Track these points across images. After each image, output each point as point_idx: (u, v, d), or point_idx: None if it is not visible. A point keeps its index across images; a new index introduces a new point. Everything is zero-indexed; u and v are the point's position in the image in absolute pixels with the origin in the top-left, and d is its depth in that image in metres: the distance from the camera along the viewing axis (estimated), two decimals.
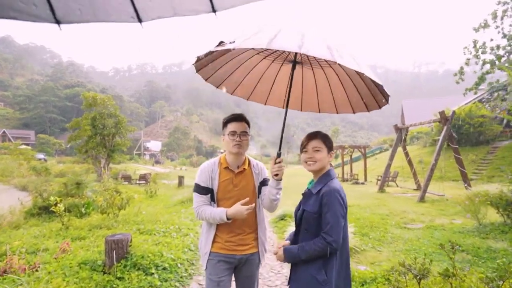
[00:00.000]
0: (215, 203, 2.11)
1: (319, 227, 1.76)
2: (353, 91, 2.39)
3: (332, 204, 1.74)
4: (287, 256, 1.83)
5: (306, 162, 1.91)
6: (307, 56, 2.26)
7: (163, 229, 5.83)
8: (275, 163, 1.96)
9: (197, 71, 2.29)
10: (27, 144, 53.41)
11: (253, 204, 2.03)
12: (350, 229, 5.46)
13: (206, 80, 2.44)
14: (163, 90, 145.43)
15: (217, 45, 1.65)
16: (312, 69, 2.45)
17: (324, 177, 1.87)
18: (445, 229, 6.55)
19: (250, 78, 2.56)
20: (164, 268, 3.97)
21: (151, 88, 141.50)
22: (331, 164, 1.99)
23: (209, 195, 2.12)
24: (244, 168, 2.18)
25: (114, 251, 3.70)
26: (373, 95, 2.30)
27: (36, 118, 73.58)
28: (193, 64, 2.15)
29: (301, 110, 2.76)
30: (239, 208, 1.97)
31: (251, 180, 2.19)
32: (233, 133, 2.09)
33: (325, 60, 2.23)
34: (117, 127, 19.95)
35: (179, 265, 4.21)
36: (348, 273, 1.87)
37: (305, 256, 1.75)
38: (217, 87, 2.55)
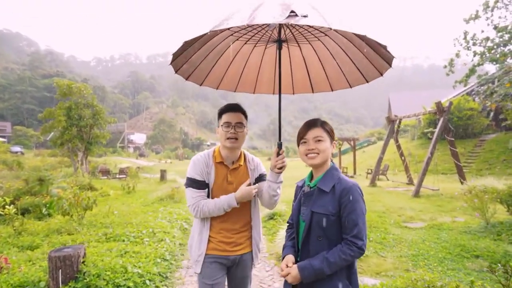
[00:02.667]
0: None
1: (337, 231, 1.51)
2: (347, 62, 2.16)
3: (356, 202, 1.50)
4: (306, 275, 1.48)
5: (306, 155, 1.63)
6: (292, 32, 2.07)
7: (134, 233, 5.00)
8: (278, 155, 1.81)
9: (176, 72, 2.15)
10: (3, 137, 51.02)
11: (257, 185, 1.96)
12: None
13: (186, 79, 2.27)
14: (148, 81, 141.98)
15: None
16: (299, 46, 2.23)
17: (332, 171, 1.62)
18: (451, 229, 5.97)
19: (233, 68, 2.38)
20: None
21: (135, 79, 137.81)
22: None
23: (206, 189, 1.91)
24: (239, 164, 2.00)
25: (60, 270, 2.88)
26: (371, 62, 2.05)
27: (12, 109, 70.27)
28: (170, 64, 2.00)
29: (293, 93, 2.57)
30: (246, 189, 1.87)
31: (247, 177, 2.00)
32: (228, 124, 1.90)
33: (316, 29, 2.01)
34: (95, 118, 18.71)
35: (147, 282, 3.42)
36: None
37: (331, 269, 1.45)
38: (201, 85, 2.41)
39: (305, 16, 1.37)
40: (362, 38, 1.59)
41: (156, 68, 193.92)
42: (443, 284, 3.07)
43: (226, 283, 2.06)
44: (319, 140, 1.61)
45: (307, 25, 1.90)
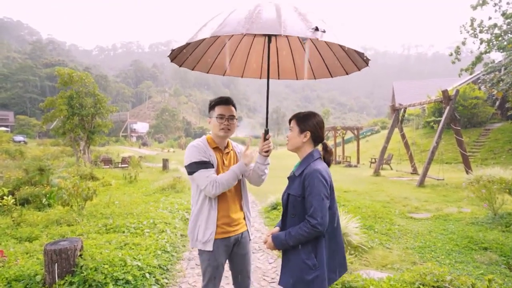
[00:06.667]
0: None
1: (305, 211, 1.73)
2: (330, 55, 2.40)
3: (314, 185, 1.68)
4: (276, 243, 1.80)
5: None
6: None
7: (134, 224, 4.90)
8: (264, 140, 2.02)
9: (180, 65, 2.41)
10: (6, 126, 51.12)
11: (257, 148, 2.12)
12: (354, 223, 4.68)
13: (193, 69, 2.53)
14: (150, 70, 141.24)
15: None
16: (287, 37, 2.45)
17: (307, 158, 1.84)
18: (457, 220, 5.85)
19: (223, 54, 2.57)
20: (127, 282, 3.08)
21: (137, 68, 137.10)
22: (324, 144, 1.94)
23: (214, 169, 2.05)
24: (230, 149, 2.25)
25: (56, 264, 2.79)
26: (351, 58, 2.30)
27: (14, 98, 70.16)
28: (172, 61, 2.24)
29: (278, 79, 2.80)
30: (248, 154, 2.07)
31: (236, 160, 2.25)
32: (221, 116, 2.11)
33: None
34: (97, 107, 18.55)
35: (147, 275, 3.33)
36: (343, 256, 1.86)
37: (293, 242, 1.72)
38: (207, 72, 2.66)
39: (323, 32, 1.57)
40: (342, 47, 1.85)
41: (158, 57, 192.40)
42: (452, 278, 2.97)
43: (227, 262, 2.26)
44: (290, 130, 1.92)
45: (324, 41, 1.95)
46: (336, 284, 3.08)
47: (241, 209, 2.23)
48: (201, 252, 2.11)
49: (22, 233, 4.57)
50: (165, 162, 16.03)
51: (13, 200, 5.07)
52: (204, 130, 72.36)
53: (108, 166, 17.93)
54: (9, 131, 45.70)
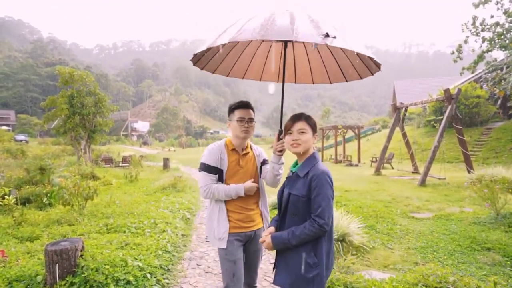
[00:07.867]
0: (222, 182, 2.21)
1: (308, 211, 1.76)
2: (344, 60, 2.48)
3: (322, 186, 1.72)
4: (276, 243, 1.80)
5: (291, 145, 1.89)
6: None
7: (135, 224, 4.89)
8: (278, 140, 2.08)
9: (202, 69, 2.56)
10: (8, 125, 51.23)
11: (257, 184, 2.27)
12: (356, 223, 4.66)
13: (213, 72, 2.68)
14: (151, 69, 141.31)
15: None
16: (303, 43, 2.55)
17: (310, 159, 1.86)
18: (460, 220, 5.82)
19: (242, 59, 2.67)
20: (128, 282, 3.07)
21: (138, 67, 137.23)
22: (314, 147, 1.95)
23: (218, 175, 2.20)
24: (248, 151, 2.34)
25: (57, 265, 2.77)
26: (364, 63, 2.37)
27: (15, 97, 70.33)
28: (194, 65, 2.40)
29: (295, 82, 2.93)
30: (251, 185, 2.20)
31: (254, 162, 2.36)
32: (242, 119, 2.23)
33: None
34: (97, 106, 18.53)
35: (148, 275, 3.32)
36: (333, 254, 1.89)
37: (296, 241, 1.73)
38: (227, 75, 2.80)
39: (334, 38, 1.63)
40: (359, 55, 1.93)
41: (159, 55, 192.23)
42: (455, 279, 2.95)
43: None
44: (302, 132, 1.85)
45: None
46: (338, 285, 3.07)
47: (257, 207, 2.33)
48: (218, 250, 2.22)
49: (23, 233, 4.56)
50: (166, 161, 16.00)
51: (14, 199, 5.06)
52: (204, 129, 72.37)
53: (109, 165, 17.93)
54: (11, 130, 45.78)
